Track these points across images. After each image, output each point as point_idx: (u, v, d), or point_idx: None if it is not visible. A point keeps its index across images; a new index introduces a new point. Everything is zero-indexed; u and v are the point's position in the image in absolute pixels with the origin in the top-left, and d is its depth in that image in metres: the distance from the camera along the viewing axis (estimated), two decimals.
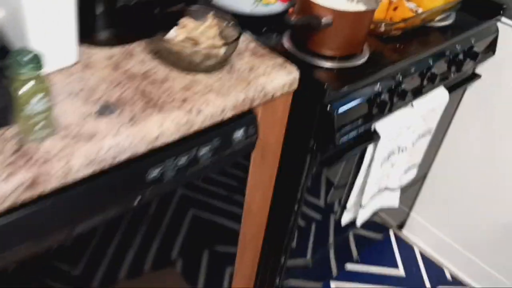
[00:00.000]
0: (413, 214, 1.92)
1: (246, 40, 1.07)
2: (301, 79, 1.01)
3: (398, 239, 1.96)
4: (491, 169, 1.64)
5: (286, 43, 1.13)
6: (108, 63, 0.92)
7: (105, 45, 0.96)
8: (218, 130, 0.90)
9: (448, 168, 1.75)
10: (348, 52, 1.11)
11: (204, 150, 0.88)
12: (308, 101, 1.05)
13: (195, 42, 0.91)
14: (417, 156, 1.46)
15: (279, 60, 1.01)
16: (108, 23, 0.94)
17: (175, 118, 0.82)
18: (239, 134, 0.93)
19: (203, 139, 0.88)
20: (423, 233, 1.91)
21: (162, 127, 0.81)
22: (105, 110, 0.81)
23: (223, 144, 0.91)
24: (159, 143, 0.81)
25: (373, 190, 1.32)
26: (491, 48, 1.44)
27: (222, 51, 0.91)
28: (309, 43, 1.09)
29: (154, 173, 0.83)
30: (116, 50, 0.96)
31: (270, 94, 0.95)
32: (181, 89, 0.88)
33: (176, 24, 0.97)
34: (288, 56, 1.07)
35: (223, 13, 1.05)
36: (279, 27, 1.18)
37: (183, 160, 0.86)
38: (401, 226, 1.96)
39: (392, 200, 1.42)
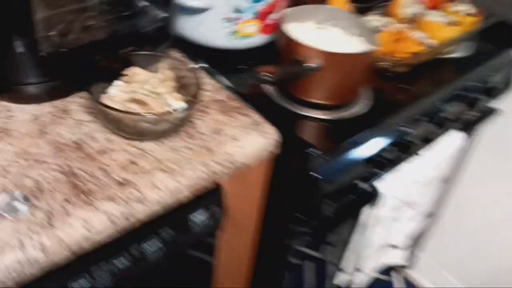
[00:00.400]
0: (421, 253, 1.72)
1: (214, 88, 0.86)
2: (283, 134, 0.81)
3: (405, 280, 1.77)
4: (506, 212, 1.44)
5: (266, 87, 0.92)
6: (31, 127, 0.72)
7: (32, 101, 0.76)
8: (170, 217, 0.70)
9: (461, 206, 1.55)
10: (342, 100, 0.90)
11: (150, 245, 0.69)
12: (291, 163, 0.84)
13: (142, 104, 0.71)
14: (427, 205, 1.25)
15: (254, 117, 0.81)
16: (34, 73, 0.73)
17: (107, 212, 0.62)
18: (199, 216, 0.73)
19: (148, 231, 0.68)
20: (432, 275, 1.71)
21: (89, 226, 0.61)
22: (12, 204, 0.61)
23: (177, 232, 0.71)
24: (85, 246, 0.62)
25: (373, 252, 1.11)
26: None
27: (177, 114, 0.71)
28: (294, 88, 0.89)
29: (81, 284, 0.63)
30: (46, 108, 0.76)
31: (240, 165, 0.75)
32: (122, 166, 0.68)
33: (121, 74, 0.76)
34: (268, 103, 0.87)
35: (183, 55, 0.85)
36: (259, 64, 0.98)
37: (122, 261, 0.66)
38: (407, 266, 1.76)
39: (397, 258, 1.22)
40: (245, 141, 0.76)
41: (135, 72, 0.75)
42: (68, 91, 0.78)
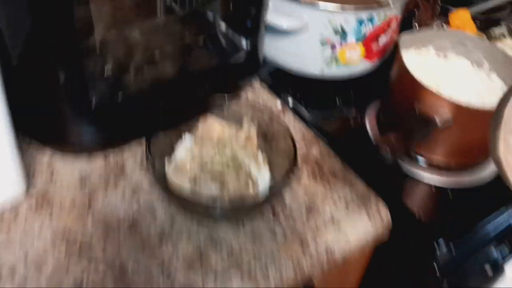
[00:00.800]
0: None
1: (305, 138, 0.68)
2: (391, 203, 0.62)
3: None
4: None
5: (371, 131, 0.73)
6: (78, 193, 0.57)
7: (80, 154, 0.60)
8: None
9: None
10: (471, 160, 0.70)
11: None
12: (401, 245, 0.65)
13: (218, 178, 0.53)
14: None
15: (360, 188, 0.62)
16: (84, 125, 0.57)
17: None
18: None
19: None
20: None
21: None
22: None
23: None
24: None
25: None
26: None
27: (262, 198, 0.53)
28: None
29: None
30: (97, 163, 0.60)
31: (340, 259, 0.57)
32: (187, 261, 0.52)
33: (192, 123, 0.59)
34: (372, 158, 0.68)
35: (266, 85, 0.67)
36: (361, 98, 0.79)
37: None
38: None
39: None
40: (349, 227, 0.57)
41: (210, 126, 0.58)
42: (125, 142, 0.61)
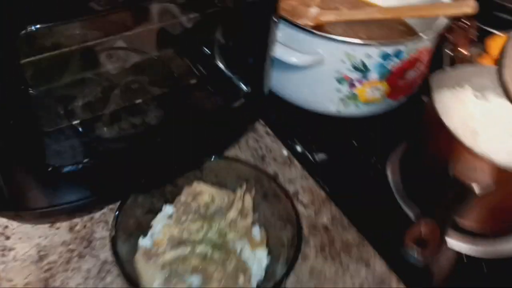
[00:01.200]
0: None
1: (314, 199, 0.56)
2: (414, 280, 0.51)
3: None
4: None
5: (393, 185, 0.62)
6: (33, 272, 0.47)
7: (40, 222, 0.50)
8: None
9: None
10: (508, 226, 0.58)
11: None
12: None
13: (199, 265, 0.43)
14: None
15: (378, 267, 0.51)
16: (43, 188, 0.47)
17: None
18: None
19: None
20: None
21: None
22: None
23: None
24: None
25: None
26: None
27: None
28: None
29: None
30: (60, 233, 0.50)
31: None
32: None
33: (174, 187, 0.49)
34: (395, 216, 0.57)
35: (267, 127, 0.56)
36: (382, 139, 0.68)
37: None
38: None
39: None
40: None
41: (196, 193, 0.47)
42: (95, 208, 0.51)
